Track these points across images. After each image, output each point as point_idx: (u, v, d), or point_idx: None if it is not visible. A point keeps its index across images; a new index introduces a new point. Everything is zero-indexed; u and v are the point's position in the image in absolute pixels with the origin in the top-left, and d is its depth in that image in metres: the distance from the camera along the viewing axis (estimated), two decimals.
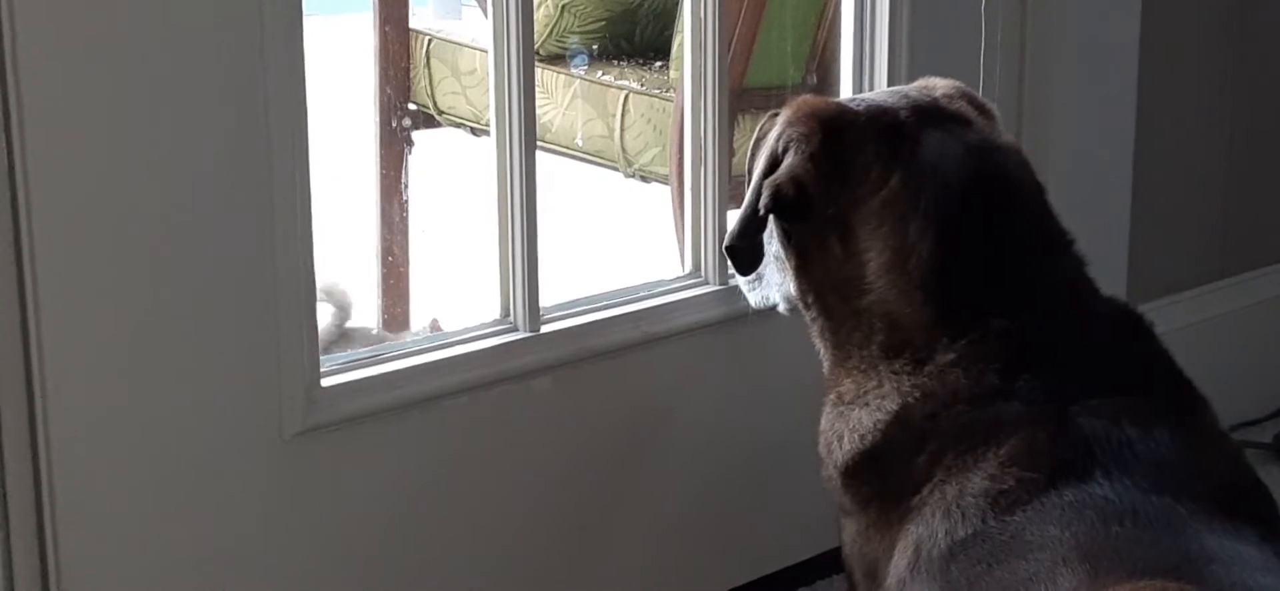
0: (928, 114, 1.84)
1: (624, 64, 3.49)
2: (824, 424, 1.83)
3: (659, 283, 2.29)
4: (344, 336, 2.77)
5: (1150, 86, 2.69)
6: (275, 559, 1.94)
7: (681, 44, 2.69)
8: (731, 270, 2.08)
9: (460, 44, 3.54)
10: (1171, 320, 2.28)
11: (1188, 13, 2.78)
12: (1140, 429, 1.65)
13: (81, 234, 1.74)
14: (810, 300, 1.87)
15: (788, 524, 2.37)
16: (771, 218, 1.88)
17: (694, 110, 2.29)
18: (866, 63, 2.40)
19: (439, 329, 2.79)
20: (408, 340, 2.76)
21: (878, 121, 1.83)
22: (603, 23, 3.56)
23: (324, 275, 2.00)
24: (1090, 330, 1.77)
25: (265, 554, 1.93)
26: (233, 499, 1.89)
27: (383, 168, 3.37)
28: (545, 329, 2.13)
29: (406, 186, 3.36)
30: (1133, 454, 1.63)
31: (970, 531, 1.63)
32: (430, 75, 3.56)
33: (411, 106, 3.54)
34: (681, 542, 2.30)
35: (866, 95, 2.03)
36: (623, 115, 3.32)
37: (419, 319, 3.23)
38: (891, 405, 1.75)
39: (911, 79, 2.01)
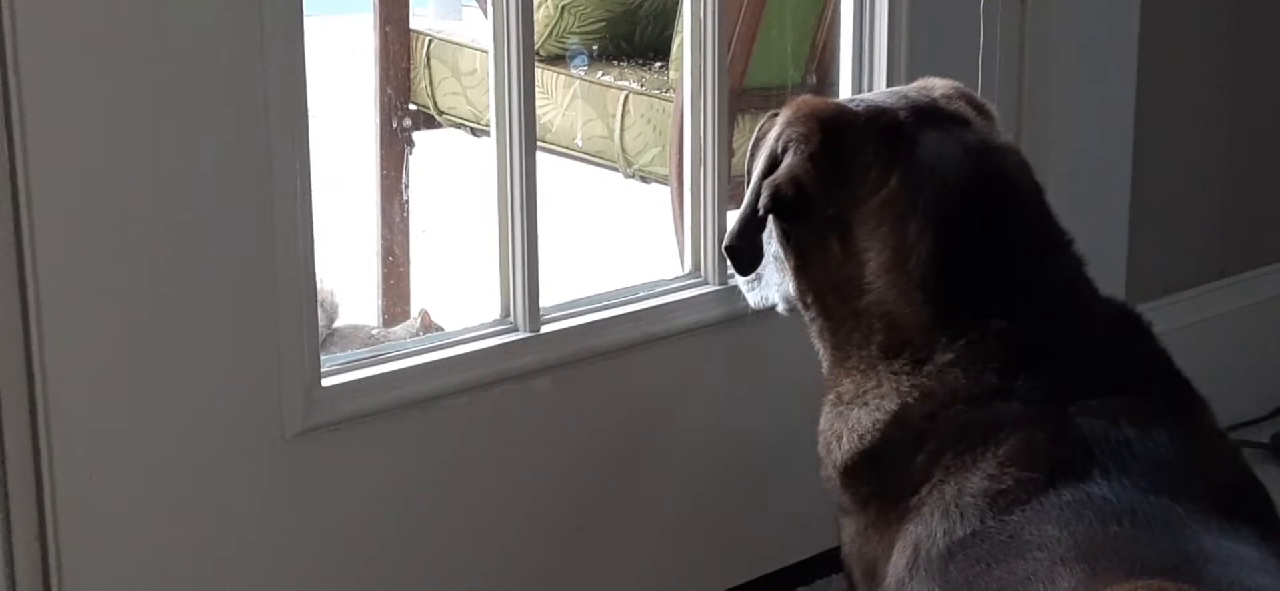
0: (927, 114, 1.84)
1: (624, 64, 3.49)
2: (823, 423, 1.83)
3: (659, 283, 2.29)
4: (330, 337, 2.77)
5: (1149, 86, 2.69)
6: (275, 558, 1.94)
7: (681, 44, 2.70)
8: (731, 270, 2.09)
9: (460, 44, 3.55)
10: (1170, 320, 2.28)
11: (1187, 12, 2.78)
12: (1138, 429, 1.65)
13: (82, 234, 1.74)
14: (809, 300, 1.87)
15: (787, 523, 2.37)
16: (771, 218, 1.88)
17: (694, 110, 2.29)
18: (866, 63, 2.40)
19: (429, 320, 2.80)
20: (403, 335, 2.77)
21: (877, 122, 1.83)
22: (603, 23, 3.56)
23: None
24: (1089, 330, 1.77)
25: (265, 553, 1.93)
26: (233, 499, 1.90)
27: (383, 168, 3.37)
28: (545, 329, 2.13)
29: (407, 187, 3.36)
30: (1131, 454, 1.63)
31: (969, 531, 1.63)
32: (431, 76, 3.57)
33: (412, 107, 3.54)
34: (681, 542, 2.30)
35: (865, 95, 2.03)
36: (622, 116, 3.33)
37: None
38: (890, 405, 1.75)
39: (910, 79, 2.01)
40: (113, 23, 1.72)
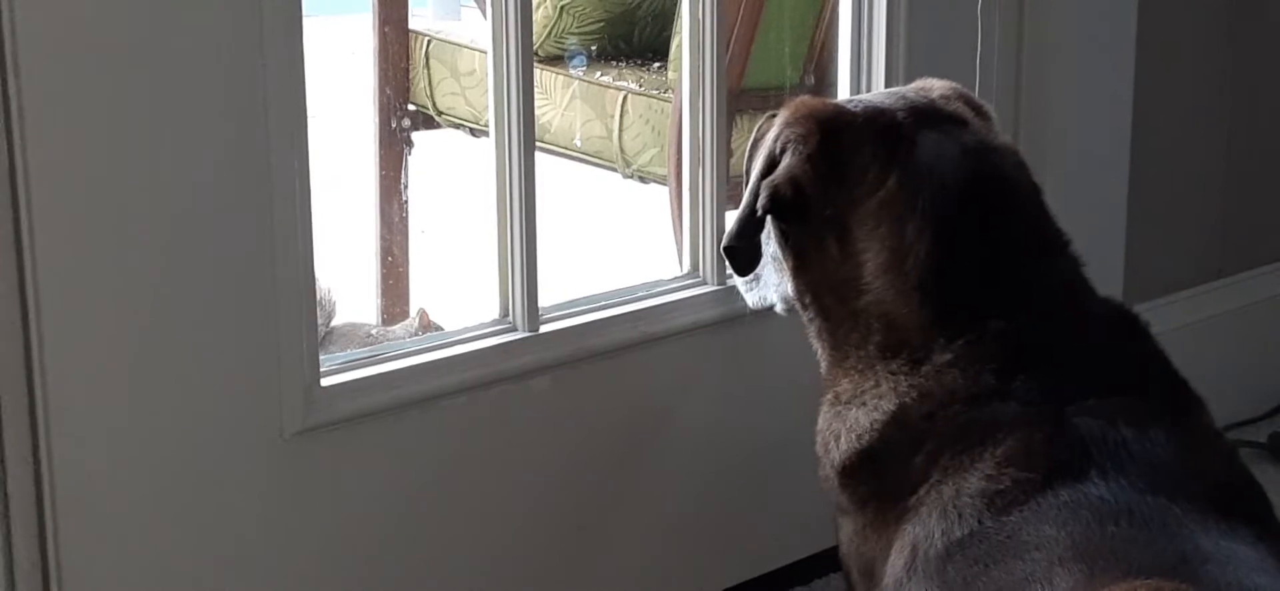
0: (925, 115, 1.85)
1: (622, 65, 3.49)
2: (821, 423, 1.84)
3: (657, 283, 2.29)
4: (328, 336, 2.77)
5: (1148, 86, 2.69)
6: (275, 558, 1.94)
7: (680, 45, 2.70)
8: (729, 270, 2.09)
9: (459, 45, 3.55)
10: (1168, 320, 2.28)
11: (1185, 12, 2.78)
12: (1136, 429, 1.65)
13: (82, 234, 1.74)
14: (808, 300, 1.87)
15: (785, 523, 2.37)
16: (769, 218, 1.88)
17: (692, 111, 2.29)
18: (864, 64, 2.41)
19: (428, 320, 2.80)
20: (402, 335, 2.77)
21: (875, 122, 1.83)
22: (601, 24, 3.56)
23: None
24: (1086, 331, 1.78)
25: (265, 553, 1.93)
26: (233, 498, 1.90)
27: (382, 168, 3.38)
28: (544, 329, 2.14)
29: (406, 187, 3.37)
30: (1128, 454, 1.63)
31: (967, 531, 1.64)
32: (429, 76, 3.57)
33: (411, 107, 3.55)
34: (680, 541, 2.30)
35: (864, 96, 2.04)
36: (621, 116, 3.33)
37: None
38: (888, 405, 1.76)
39: (909, 80, 2.02)
40: (112, 23, 1.72)
